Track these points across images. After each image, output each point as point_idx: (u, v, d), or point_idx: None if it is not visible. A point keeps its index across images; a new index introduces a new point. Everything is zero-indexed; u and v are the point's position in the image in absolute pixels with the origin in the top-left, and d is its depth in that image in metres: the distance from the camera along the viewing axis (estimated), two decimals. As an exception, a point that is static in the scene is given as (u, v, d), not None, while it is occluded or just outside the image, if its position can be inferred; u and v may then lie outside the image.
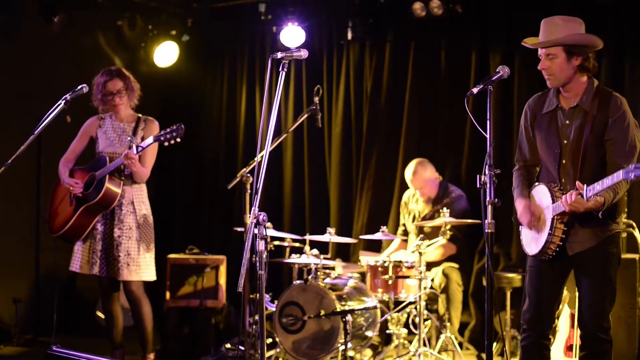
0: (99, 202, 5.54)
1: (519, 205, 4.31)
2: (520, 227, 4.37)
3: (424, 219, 6.77)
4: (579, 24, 4.21)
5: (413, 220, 6.90)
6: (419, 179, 6.79)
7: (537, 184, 4.30)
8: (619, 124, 4.07)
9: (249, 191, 5.81)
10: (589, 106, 4.15)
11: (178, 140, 5.33)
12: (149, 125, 5.78)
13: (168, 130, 5.32)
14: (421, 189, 6.83)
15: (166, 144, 5.38)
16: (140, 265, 5.67)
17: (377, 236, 6.36)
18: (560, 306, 5.20)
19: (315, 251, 6.34)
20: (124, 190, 5.63)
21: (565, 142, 4.20)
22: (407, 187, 6.97)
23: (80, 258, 5.70)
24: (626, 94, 6.48)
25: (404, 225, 7.06)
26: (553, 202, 4.10)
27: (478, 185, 4.08)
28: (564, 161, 4.20)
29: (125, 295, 5.79)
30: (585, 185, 3.82)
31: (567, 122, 4.20)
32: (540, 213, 4.21)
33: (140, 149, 5.43)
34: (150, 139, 5.40)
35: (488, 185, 3.98)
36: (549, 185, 4.18)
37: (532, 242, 4.27)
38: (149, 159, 5.68)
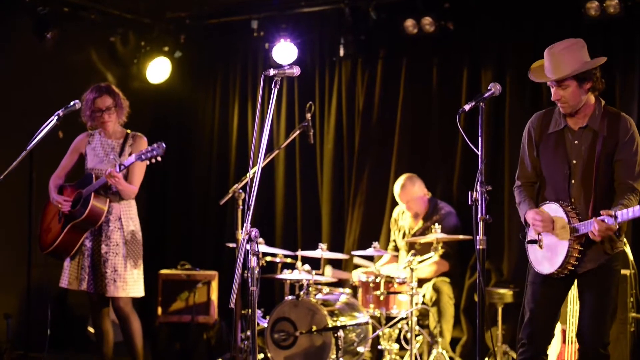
0: (85, 220, 5.53)
1: (531, 213, 4.26)
2: (526, 244, 4.34)
3: (414, 235, 6.78)
4: (581, 46, 4.22)
5: (403, 237, 6.91)
6: (407, 194, 6.81)
7: (547, 202, 4.27)
8: (629, 146, 4.17)
9: (241, 207, 5.83)
10: (598, 127, 4.21)
11: (159, 159, 5.34)
12: (137, 141, 5.77)
13: (149, 148, 5.34)
14: (407, 204, 6.85)
15: (147, 162, 5.39)
16: (127, 282, 5.64)
17: (369, 252, 6.37)
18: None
19: (307, 267, 6.34)
20: (112, 207, 5.63)
21: (574, 162, 4.23)
22: (398, 203, 6.99)
23: (69, 274, 5.69)
24: (617, 106, 6.54)
25: (394, 241, 7.07)
26: (569, 222, 4.11)
27: (470, 202, 4.11)
28: (573, 181, 4.23)
29: (113, 311, 5.77)
30: (614, 210, 3.90)
31: (577, 142, 4.24)
32: (555, 224, 4.18)
33: (122, 167, 5.44)
34: (132, 157, 5.42)
35: (480, 201, 4.01)
36: (561, 203, 4.18)
37: (544, 260, 4.24)
38: (136, 176, 5.67)
